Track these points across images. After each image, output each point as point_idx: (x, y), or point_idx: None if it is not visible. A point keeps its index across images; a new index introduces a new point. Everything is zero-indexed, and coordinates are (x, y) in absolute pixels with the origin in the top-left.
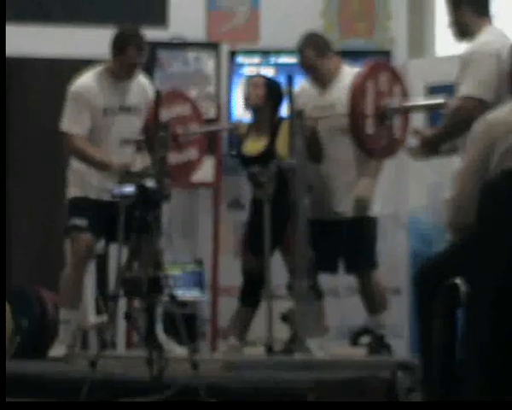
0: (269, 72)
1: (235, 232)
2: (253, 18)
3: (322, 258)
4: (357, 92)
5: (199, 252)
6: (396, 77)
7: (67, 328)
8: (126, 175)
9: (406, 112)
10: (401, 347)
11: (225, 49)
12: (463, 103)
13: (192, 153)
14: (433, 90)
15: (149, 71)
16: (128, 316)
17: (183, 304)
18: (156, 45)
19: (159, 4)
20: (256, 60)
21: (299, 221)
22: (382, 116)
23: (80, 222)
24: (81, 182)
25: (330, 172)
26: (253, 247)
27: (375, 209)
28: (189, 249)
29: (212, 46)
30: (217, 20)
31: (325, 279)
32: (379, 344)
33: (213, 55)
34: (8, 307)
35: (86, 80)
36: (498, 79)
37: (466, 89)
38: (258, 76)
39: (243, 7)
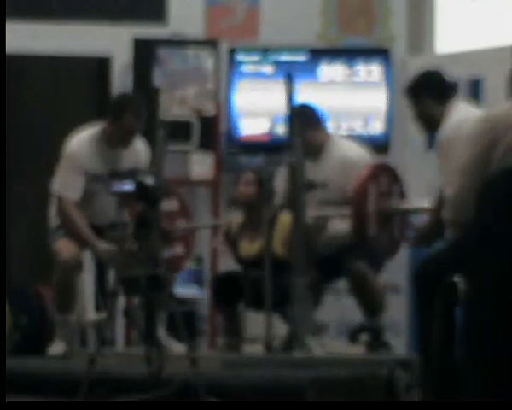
0: (268, 69)
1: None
2: (252, 15)
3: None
4: (360, 194)
5: (198, 249)
6: (395, 177)
7: (64, 331)
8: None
9: (407, 213)
10: (400, 344)
11: (224, 46)
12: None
13: (178, 249)
14: None
15: (148, 68)
16: (127, 313)
17: (182, 301)
18: (155, 42)
19: (158, 1)
20: (255, 57)
21: (297, 219)
22: (384, 217)
23: (60, 233)
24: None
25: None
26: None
27: None
28: None
29: (211, 43)
30: (216, 16)
31: None
32: (377, 342)
33: (212, 53)
34: (7, 304)
35: (81, 143)
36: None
37: (444, 184)
38: (251, 172)
39: (242, 3)
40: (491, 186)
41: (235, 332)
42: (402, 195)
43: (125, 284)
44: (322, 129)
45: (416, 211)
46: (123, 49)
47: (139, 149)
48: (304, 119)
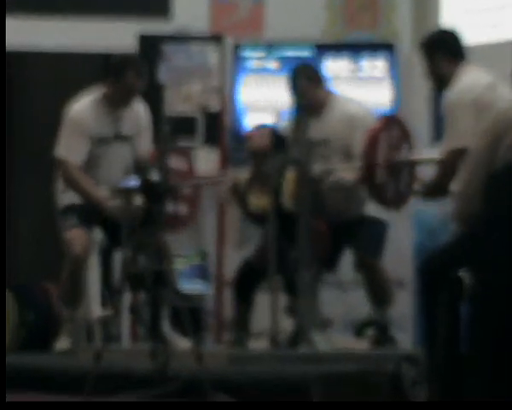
0: (273, 65)
1: (239, 225)
2: (256, 10)
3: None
4: (371, 143)
5: (203, 245)
6: (405, 132)
7: (71, 326)
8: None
9: (414, 165)
10: (406, 339)
11: (229, 42)
12: (448, 157)
13: (182, 208)
14: None
15: (153, 64)
16: (133, 309)
17: (188, 297)
18: (160, 38)
19: None
20: (260, 53)
21: (302, 214)
22: (392, 168)
23: (72, 221)
24: (68, 191)
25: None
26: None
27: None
28: (194, 242)
29: (215, 39)
30: (221, 12)
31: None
32: (383, 336)
33: (217, 49)
34: (13, 301)
35: (83, 107)
36: (478, 124)
37: (448, 143)
38: (266, 126)
39: None
40: (497, 180)
41: (244, 326)
42: (411, 149)
43: (130, 280)
44: (324, 86)
45: (424, 162)
46: (128, 45)
47: (140, 112)
48: (305, 77)
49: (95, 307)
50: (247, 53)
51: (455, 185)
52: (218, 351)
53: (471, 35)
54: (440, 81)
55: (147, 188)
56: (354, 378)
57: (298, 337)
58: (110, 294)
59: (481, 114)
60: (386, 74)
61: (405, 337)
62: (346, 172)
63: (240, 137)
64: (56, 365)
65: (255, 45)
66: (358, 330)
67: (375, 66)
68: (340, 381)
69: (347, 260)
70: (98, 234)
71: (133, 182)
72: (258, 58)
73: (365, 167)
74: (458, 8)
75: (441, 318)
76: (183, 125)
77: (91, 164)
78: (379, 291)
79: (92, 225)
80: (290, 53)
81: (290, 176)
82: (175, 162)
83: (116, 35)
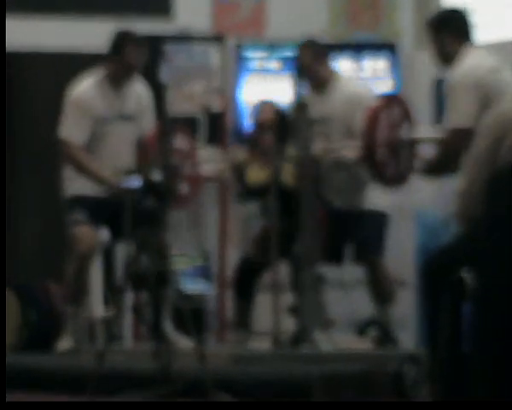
0: (275, 65)
1: (241, 226)
2: (258, 10)
3: (327, 247)
4: (372, 122)
5: (206, 245)
6: (406, 111)
7: (75, 324)
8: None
9: (415, 144)
10: (408, 339)
11: (231, 42)
12: (450, 137)
13: (183, 187)
14: (438, 83)
15: (154, 64)
16: (135, 309)
17: (190, 297)
18: (161, 38)
19: None
20: (262, 53)
21: (303, 213)
22: (393, 147)
23: (80, 216)
24: (79, 178)
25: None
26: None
27: (384, 203)
28: (196, 243)
29: (217, 39)
30: (222, 12)
31: (332, 271)
32: (386, 337)
33: (219, 48)
34: (15, 301)
35: (86, 87)
36: (480, 105)
37: (451, 122)
38: (270, 102)
39: None
40: (499, 180)
41: (245, 325)
42: (412, 128)
43: (133, 280)
44: (328, 64)
45: (425, 141)
46: None
47: (141, 91)
48: (310, 51)
49: (97, 307)
50: (249, 53)
51: (457, 185)
52: (220, 351)
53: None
54: (445, 59)
55: (149, 188)
56: (356, 378)
57: (300, 337)
58: (112, 294)
59: (483, 96)
60: (388, 74)
61: (407, 337)
62: (347, 151)
63: (242, 138)
64: (58, 365)
65: (257, 45)
66: (361, 330)
67: (377, 65)
68: (342, 381)
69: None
70: (103, 234)
71: (136, 182)
72: (260, 58)
73: (365, 146)
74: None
75: (443, 318)
76: (185, 126)
77: (95, 144)
78: (380, 289)
79: (100, 222)
80: (292, 53)
81: (291, 153)
82: (178, 142)
83: None
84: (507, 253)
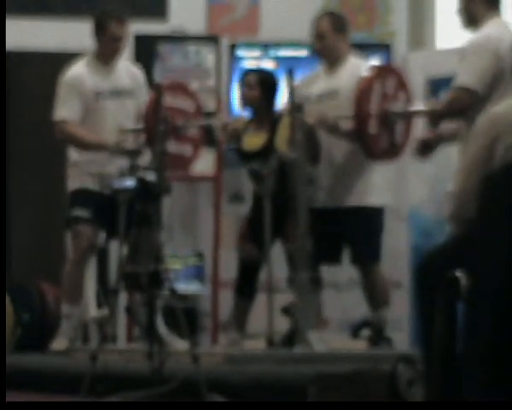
0: (269, 65)
1: (235, 226)
2: (252, 11)
3: (325, 248)
4: (364, 92)
5: (199, 245)
6: (402, 82)
7: (69, 322)
8: (121, 152)
9: (409, 117)
10: (402, 340)
11: (225, 42)
12: (458, 94)
13: (186, 149)
14: (433, 84)
15: (149, 64)
16: (129, 310)
17: (184, 298)
18: (156, 38)
19: None
20: (256, 53)
21: (299, 214)
22: (386, 119)
23: (82, 213)
24: (81, 175)
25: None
26: (253, 237)
27: (381, 200)
28: (190, 243)
29: (212, 39)
30: (217, 13)
31: (326, 272)
32: (379, 337)
33: (213, 49)
34: (8, 301)
35: (76, 68)
36: (493, 75)
37: (461, 79)
38: (252, 74)
39: (243, 0)
40: (493, 182)
41: (242, 326)
42: (408, 100)
43: (126, 280)
44: (345, 39)
45: (420, 113)
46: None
47: (133, 69)
48: (329, 21)
49: (90, 308)
50: (243, 53)
51: (450, 186)
52: (214, 352)
53: (466, 36)
54: (469, 20)
55: (142, 188)
56: (350, 379)
57: (294, 337)
58: (106, 294)
59: (499, 70)
60: None
61: (402, 338)
62: (344, 122)
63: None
64: (52, 365)
65: (251, 45)
66: (355, 331)
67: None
68: (336, 381)
69: (343, 261)
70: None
71: (129, 182)
72: (255, 58)
73: (356, 117)
74: (454, 9)
75: (437, 318)
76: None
77: (91, 120)
78: (375, 293)
79: (100, 219)
80: (286, 53)
81: (287, 121)
82: (182, 102)
83: None
84: (500, 254)
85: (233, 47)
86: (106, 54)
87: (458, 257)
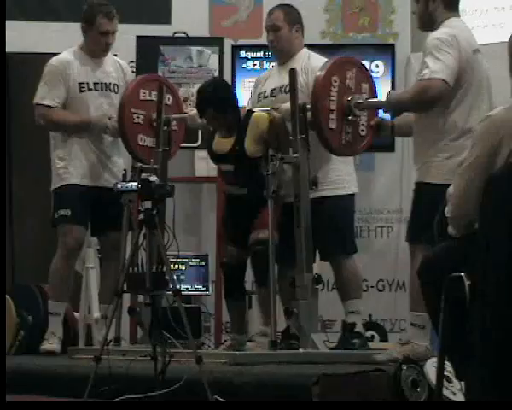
0: (272, 66)
1: None
2: (255, 12)
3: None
4: (320, 86)
5: (203, 247)
6: (364, 74)
7: (57, 320)
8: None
9: (372, 109)
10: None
11: (228, 43)
12: (432, 82)
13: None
14: None
15: (152, 65)
16: (131, 311)
17: (188, 299)
18: (159, 40)
19: (163, 1)
20: (259, 54)
21: (301, 215)
22: (346, 112)
23: (65, 212)
24: (63, 171)
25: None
26: (231, 238)
27: (346, 191)
28: (193, 244)
29: (215, 41)
30: (220, 15)
31: (329, 273)
32: (351, 333)
33: (216, 50)
34: (11, 303)
35: (63, 55)
36: (459, 68)
37: (433, 69)
38: (200, 103)
39: (246, 2)
40: (496, 181)
41: (241, 328)
42: (371, 92)
43: (130, 282)
44: (299, 33)
45: (380, 105)
46: (127, 46)
47: (121, 64)
48: (282, 14)
49: (94, 309)
50: (246, 54)
51: (451, 188)
52: (217, 353)
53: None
54: (426, 22)
55: (146, 189)
56: (354, 379)
57: (297, 338)
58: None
59: (461, 66)
60: (386, 75)
61: (406, 338)
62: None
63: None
64: (56, 367)
65: (254, 47)
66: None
67: (375, 67)
68: (339, 382)
69: None
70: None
71: (133, 183)
72: (258, 59)
73: (313, 112)
74: None
75: (443, 318)
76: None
77: (73, 110)
78: (344, 287)
79: (85, 215)
80: None
81: (256, 117)
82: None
83: (118, 40)
84: (501, 254)
85: (236, 48)
86: (94, 48)
87: (460, 257)
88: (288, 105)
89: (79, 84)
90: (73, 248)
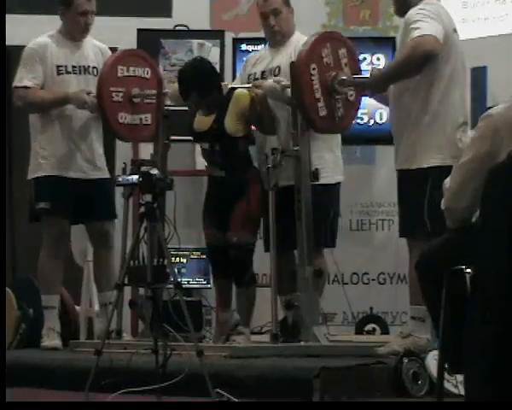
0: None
1: None
2: (256, 6)
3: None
4: (301, 61)
5: (204, 240)
6: (349, 51)
7: (53, 313)
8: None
9: (354, 85)
10: None
11: (229, 36)
12: (425, 38)
13: (145, 116)
14: None
15: (153, 59)
16: (132, 304)
17: (189, 292)
18: (160, 33)
19: None
20: (260, 47)
21: (302, 207)
22: (329, 89)
23: (45, 205)
24: (44, 162)
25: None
26: (213, 222)
27: (325, 181)
28: (194, 237)
29: (216, 34)
30: (221, 8)
31: (331, 266)
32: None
33: (217, 43)
34: (13, 297)
35: (39, 39)
36: (443, 40)
37: (424, 28)
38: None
39: None
40: (498, 172)
41: (228, 305)
42: (355, 68)
43: (130, 275)
44: (293, 13)
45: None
46: (127, 39)
47: (100, 47)
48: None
49: (95, 303)
50: (247, 47)
51: (449, 182)
52: (218, 346)
53: (469, 28)
54: (402, 5)
55: (147, 182)
56: (355, 372)
57: (298, 331)
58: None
59: (444, 37)
60: None
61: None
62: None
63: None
64: (56, 361)
65: (255, 40)
66: (357, 325)
67: (376, 59)
68: (340, 375)
69: (347, 254)
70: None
71: (133, 177)
72: (258, 52)
73: (295, 88)
74: (457, 2)
75: (443, 312)
76: (183, 120)
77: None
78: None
79: (67, 206)
80: None
81: (237, 95)
82: (140, 72)
83: (116, 30)
84: (502, 245)
85: (237, 41)
86: (72, 30)
87: (459, 251)
88: (270, 82)
89: (57, 66)
90: (57, 240)
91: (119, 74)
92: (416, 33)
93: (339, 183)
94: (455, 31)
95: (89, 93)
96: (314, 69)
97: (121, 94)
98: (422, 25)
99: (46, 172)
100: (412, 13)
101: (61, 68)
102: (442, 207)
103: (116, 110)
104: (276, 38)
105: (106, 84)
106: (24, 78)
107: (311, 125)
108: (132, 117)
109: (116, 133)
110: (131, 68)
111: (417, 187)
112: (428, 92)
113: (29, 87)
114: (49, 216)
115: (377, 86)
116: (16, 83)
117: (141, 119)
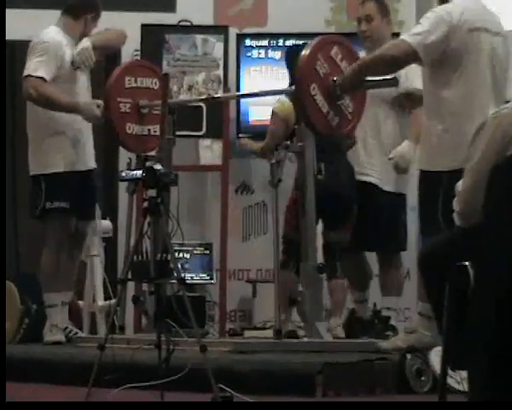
0: (277, 55)
1: (243, 215)
2: (260, 1)
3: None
4: (301, 69)
5: (207, 235)
6: (340, 45)
7: (55, 311)
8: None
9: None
10: None
11: (233, 31)
12: (400, 43)
13: (154, 127)
14: None
15: (157, 54)
16: (136, 300)
17: (192, 287)
18: (164, 29)
19: None
20: (264, 43)
21: (307, 204)
22: (332, 93)
23: (56, 203)
24: (53, 156)
25: None
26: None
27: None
28: (198, 232)
29: (220, 29)
30: (225, 3)
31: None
32: (386, 327)
33: (221, 39)
34: (16, 292)
35: (54, 34)
36: (442, 41)
37: (411, 32)
38: None
39: None
40: (500, 174)
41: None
42: (352, 56)
43: (134, 270)
44: (389, 26)
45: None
46: (132, 35)
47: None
48: (375, 5)
49: (98, 298)
50: (251, 43)
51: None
52: (222, 341)
53: None
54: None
55: (151, 177)
56: (358, 368)
57: (301, 327)
58: (114, 284)
59: (449, 40)
60: None
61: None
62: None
63: (244, 128)
64: (60, 355)
65: (259, 35)
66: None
67: None
68: (344, 371)
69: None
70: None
71: (137, 172)
72: (262, 48)
73: (297, 92)
74: None
75: (445, 309)
76: (187, 116)
77: (65, 89)
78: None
79: (74, 204)
80: (294, 43)
81: None
82: (148, 82)
83: (121, 25)
84: (506, 244)
85: (241, 37)
86: (76, 35)
87: (462, 248)
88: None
89: (68, 64)
90: (62, 238)
91: (127, 85)
92: (405, 34)
93: None
94: (474, 30)
95: (99, 106)
96: (314, 88)
97: (129, 105)
98: (416, 28)
99: (59, 168)
100: (432, 11)
101: (71, 66)
102: (455, 209)
103: (124, 121)
104: (365, 43)
105: (113, 94)
106: (39, 69)
107: (329, 138)
108: (140, 128)
109: (124, 144)
110: (139, 79)
111: (433, 189)
112: (447, 93)
113: (46, 80)
114: (65, 215)
115: (352, 80)
116: (31, 72)
117: (149, 129)
